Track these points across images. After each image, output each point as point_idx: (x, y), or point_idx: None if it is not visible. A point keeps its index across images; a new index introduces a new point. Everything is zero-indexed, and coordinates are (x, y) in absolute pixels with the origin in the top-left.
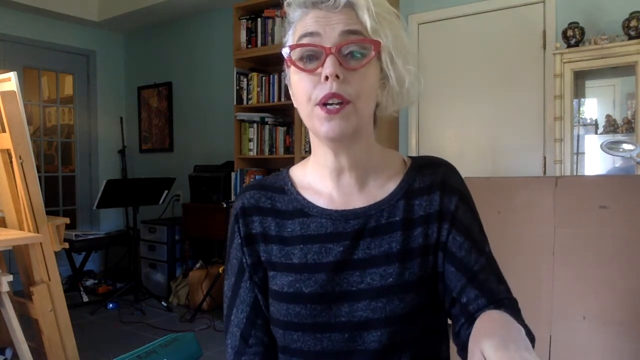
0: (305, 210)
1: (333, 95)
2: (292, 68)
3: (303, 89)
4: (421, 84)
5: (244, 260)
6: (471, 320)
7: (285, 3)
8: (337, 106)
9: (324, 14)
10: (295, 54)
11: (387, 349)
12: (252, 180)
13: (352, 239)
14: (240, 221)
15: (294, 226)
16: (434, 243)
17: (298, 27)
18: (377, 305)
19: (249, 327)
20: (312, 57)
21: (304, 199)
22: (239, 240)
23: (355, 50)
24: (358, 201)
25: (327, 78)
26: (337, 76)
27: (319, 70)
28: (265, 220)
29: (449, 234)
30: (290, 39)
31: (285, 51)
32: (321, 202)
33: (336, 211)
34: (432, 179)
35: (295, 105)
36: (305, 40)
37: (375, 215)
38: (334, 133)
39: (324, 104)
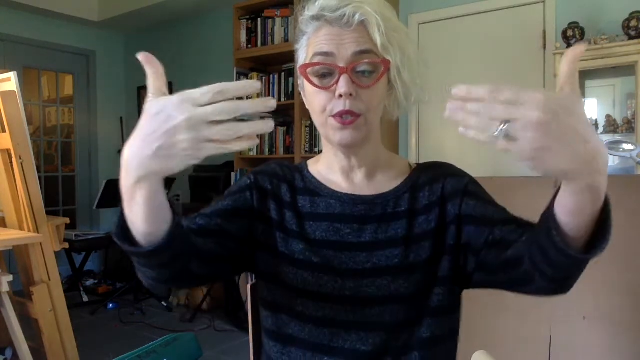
0: (316, 190)
1: (347, 112)
2: (307, 82)
3: (318, 103)
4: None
5: (249, 196)
6: (509, 243)
7: (300, 19)
8: (351, 118)
9: (337, 31)
10: (310, 70)
11: (387, 326)
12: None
13: (359, 222)
14: (257, 177)
15: (304, 202)
16: (434, 227)
17: (312, 42)
18: (382, 282)
19: (205, 217)
20: (326, 74)
21: (318, 181)
22: (249, 182)
23: (367, 69)
24: (367, 191)
25: (341, 95)
26: (350, 94)
27: (333, 87)
28: (281, 187)
29: (460, 205)
30: (304, 50)
31: (299, 67)
32: (332, 187)
33: (346, 194)
34: (436, 173)
35: (307, 108)
36: (319, 59)
37: (381, 203)
38: (346, 141)
39: (338, 116)
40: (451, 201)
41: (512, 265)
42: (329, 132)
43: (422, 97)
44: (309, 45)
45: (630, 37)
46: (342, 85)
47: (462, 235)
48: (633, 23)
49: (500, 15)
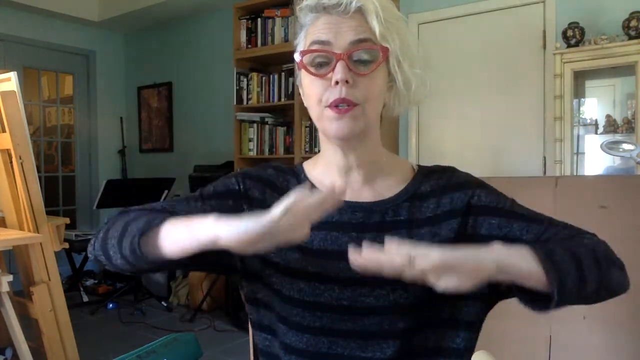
0: None
1: (343, 100)
2: (304, 71)
3: (314, 92)
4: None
5: (233, 204)
6: None
7: (297, 8)
8: (347, 107)
9: (335, 19)
10: (307, 59)
11: (387, 335)
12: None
13: (357, 231)
14: (247, 184)
15: None
16: (438, 241)
17: (310, 31)
18: (381, 292)
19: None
20: (323, 63)
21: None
22: (237, 189)
23: (364, 57)
24: (365, 196)
25: (337, 83)
26: (346, 81)
27: (330, 75)
28: (273, 197)
29: (480, 225)
30: (302, 42)
31: (297, 55)
32: None
33: (344, 201)
34: (439, 182)
35: (305, 105)
36: (316, 47)
37: (379, 211)
38: (342, 132)
39: (334, 105)
40: (463, 217)
41: None
42: (325, 123)
43: (422, 90)
44: (307, 35)
45: (630, 37)
46: (338, 71)
47: None
48: (633, 23)
49: (500, 15)
